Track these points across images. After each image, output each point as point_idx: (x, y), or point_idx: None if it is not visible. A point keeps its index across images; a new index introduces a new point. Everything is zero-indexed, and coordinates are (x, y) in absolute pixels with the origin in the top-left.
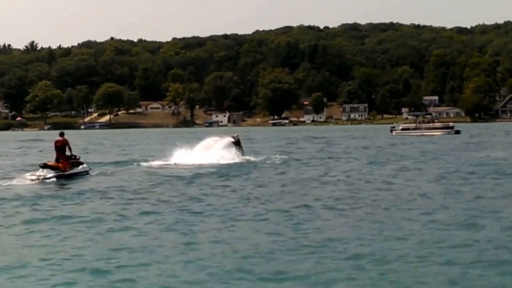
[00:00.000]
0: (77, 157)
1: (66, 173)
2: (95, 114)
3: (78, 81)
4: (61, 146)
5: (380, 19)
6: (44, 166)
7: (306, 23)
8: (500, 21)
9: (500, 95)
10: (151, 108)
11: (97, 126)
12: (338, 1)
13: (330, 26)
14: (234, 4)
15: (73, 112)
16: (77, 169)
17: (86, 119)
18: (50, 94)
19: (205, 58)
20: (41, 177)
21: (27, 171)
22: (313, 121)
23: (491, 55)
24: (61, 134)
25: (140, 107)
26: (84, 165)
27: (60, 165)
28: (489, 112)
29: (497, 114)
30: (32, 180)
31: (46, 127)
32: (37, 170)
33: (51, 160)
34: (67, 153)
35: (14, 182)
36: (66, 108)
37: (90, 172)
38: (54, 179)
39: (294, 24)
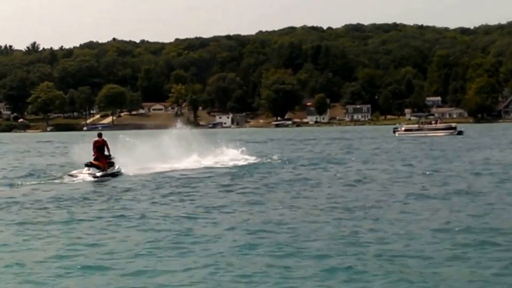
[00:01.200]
0: (112, 157)
1: (108, 172)
2: (98, 116)
3: (80, 82)
4: (100, 146)
5: (383, 19)
6: (91, 164)
7: (309, 24)
8: (503, 22)
9: (503, 95)
10: (154, 109)
11: (100, 128)
12: (341, 2)
13: (333, 27)
14: (236, 5)
15: (75, 114)
16: (114, 168)
17: (89, 121)
18: (52, 96)
19: (208, 59)
20: (91, 175)
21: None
22: (316, 122)
23: (494, 56)
24: (100, 135)
25: (143, 108)
26: (117, 165)
27: (100, 164)
28: (492, 112)
29: (500, 115)
30: (83, 177)
31: (48, 129)
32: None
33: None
34: (105, 153)
35: (65, 180)
36: (68, 110)
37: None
38: (104, 177)
39: (297, 24)
